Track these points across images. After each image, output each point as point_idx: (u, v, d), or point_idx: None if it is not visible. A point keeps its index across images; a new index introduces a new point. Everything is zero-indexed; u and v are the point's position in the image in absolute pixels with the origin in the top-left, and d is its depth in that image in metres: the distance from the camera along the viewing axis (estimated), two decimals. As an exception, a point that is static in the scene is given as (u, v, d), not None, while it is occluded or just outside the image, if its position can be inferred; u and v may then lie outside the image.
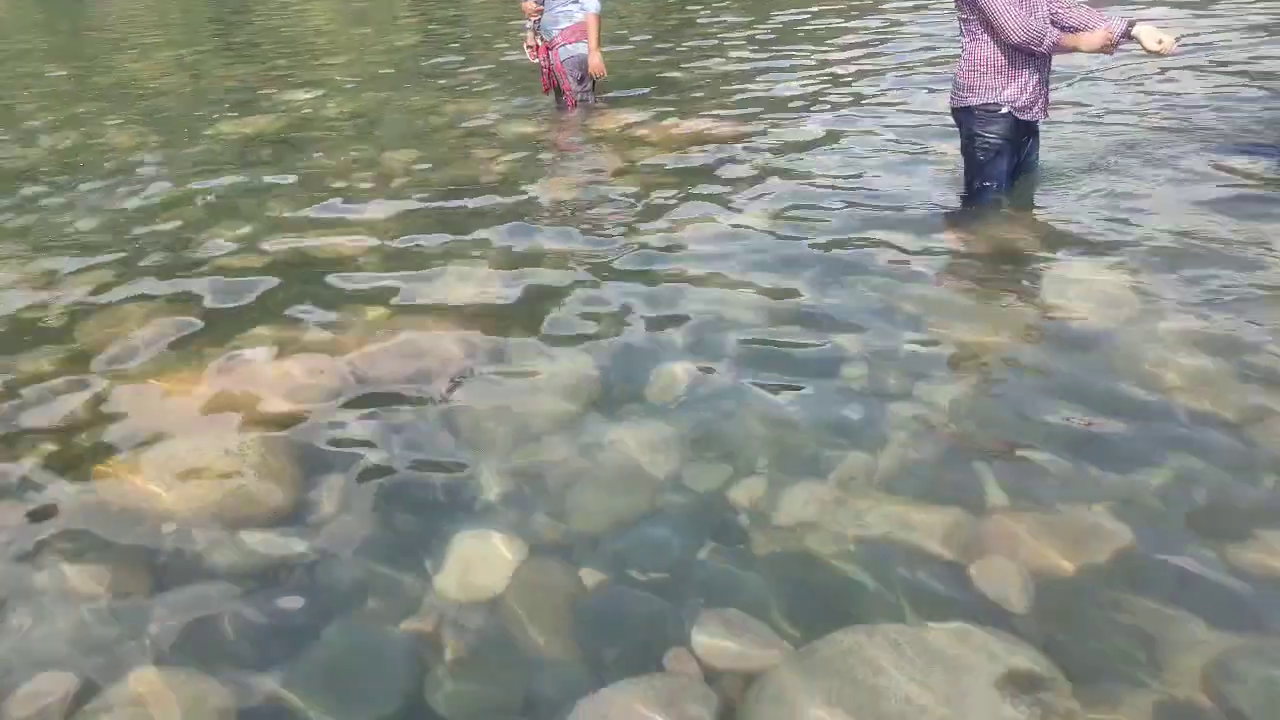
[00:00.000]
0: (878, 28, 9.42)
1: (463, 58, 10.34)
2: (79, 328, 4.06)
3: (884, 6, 10.58)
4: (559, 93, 7.03)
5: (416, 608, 2.35)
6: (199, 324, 3.99)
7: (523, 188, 5.52)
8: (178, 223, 5.38)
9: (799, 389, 3.14)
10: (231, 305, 4.18)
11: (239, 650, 2.26)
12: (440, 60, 10.41)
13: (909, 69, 7.58)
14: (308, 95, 8.86)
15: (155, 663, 2.23)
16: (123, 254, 4.92)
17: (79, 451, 3.12)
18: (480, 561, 2.48)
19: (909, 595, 2.23)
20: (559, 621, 2.27)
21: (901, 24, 9.50)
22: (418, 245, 4.71)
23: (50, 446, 3.15)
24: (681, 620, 2.22)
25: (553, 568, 2.45)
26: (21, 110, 9.40)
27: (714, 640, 2.15)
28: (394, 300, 4.08)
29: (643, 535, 2.54)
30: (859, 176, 5.18)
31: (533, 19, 6.81)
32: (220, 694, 2.13)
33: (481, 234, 4.78)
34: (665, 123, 6.65)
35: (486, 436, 3.03)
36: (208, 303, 4.23)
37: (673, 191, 5.19)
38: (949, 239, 4.29)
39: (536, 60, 6.98)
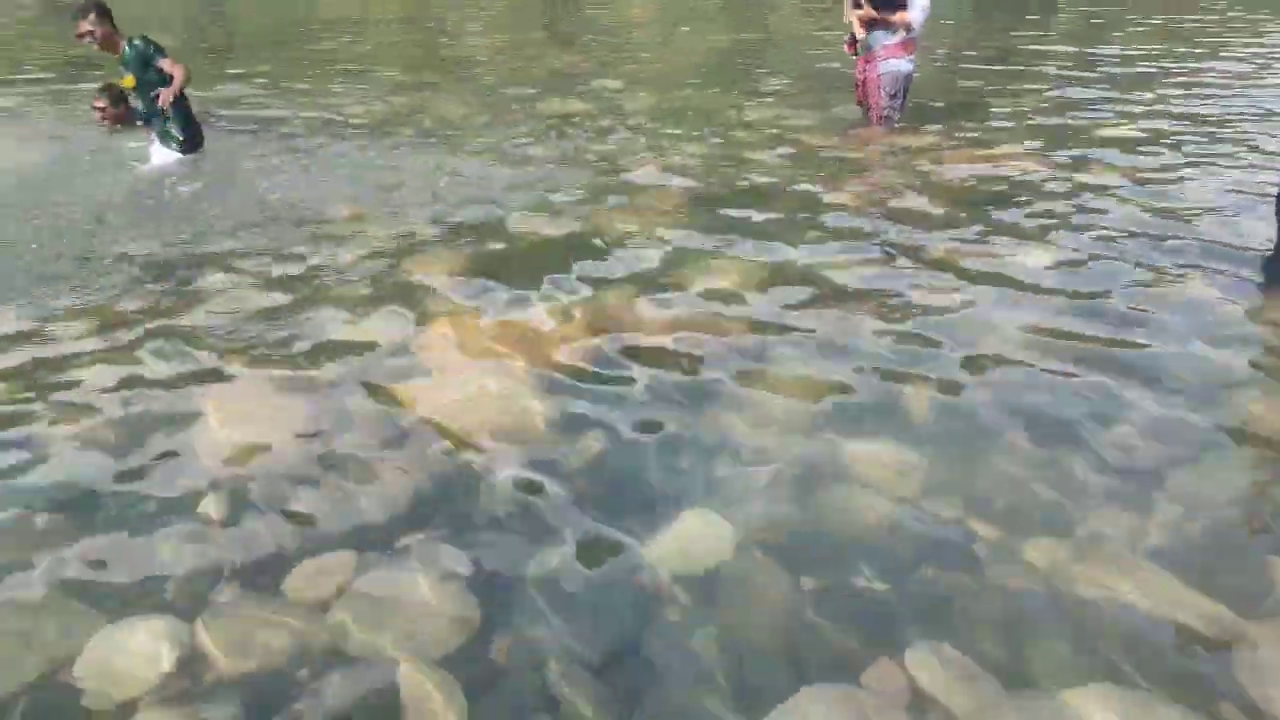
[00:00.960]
0: (1237, 73, 8.52)
1: (772, 63, 10.47)
2: (396, 264, 4.56)
3: (1246, 49, 9.54)
4: (868, 106, 6.94)
5: (639, 564, 2.46)
6: (494, 277, 4.36)
7: (807, 196, 5.53)
8: (484, 186, 5.87)
9: (1066, 436, 2.95)
10: (519, 264, 4.53)
11: (481, 551, 2.49)
12: (750, 62, 10.59)
13: (1264, 119, 6.81)
14: (617, 85, 9.34)
15: (421, 563, 2.48)
16: (437, 208, 5.45)
17: (380, 370, 3.52)
18: (704, 538, 2.55)
19: (1139, 664, 2.06)
20: (769, 612, 2.29)
21: (1261, 74, 8.54)
22: (692, 237, 4.86)
23: (355, 361, 3.57)
24: (894, 640, 2.17)
25: (772, 561, 2.46)
26: (382, 74, 10.56)
27: (926, 668, 2.09)
28: (664, 281, 4.25)
29: (869, 550, 2.49)
30: (1174, 222, 4.74)
31: (860, 32, 6.68)
32: (464, 603, 2.34)
33: (757, 236, 4.84)
34: (971, 149, 6.40)
35: (735, 423, 3.09)
36: (503, 259, 4.62)
37: (964, 215, 5.01)
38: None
39: (854, 55, 6.90)
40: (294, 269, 4.52)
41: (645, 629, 2.26)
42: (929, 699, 2.01)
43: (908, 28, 6.52)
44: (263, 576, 2.46)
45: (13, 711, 2.06)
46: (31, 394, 3.37)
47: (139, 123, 6.53)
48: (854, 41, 6.75)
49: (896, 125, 6.89)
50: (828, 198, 5.51)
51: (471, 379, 3.42)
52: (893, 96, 6.77)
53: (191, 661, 2.18)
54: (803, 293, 4.11)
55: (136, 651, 2.21)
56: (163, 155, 6.34)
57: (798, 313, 3.90)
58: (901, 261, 4.45)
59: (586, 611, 2.32)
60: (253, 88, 9.27)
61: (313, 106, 8.33)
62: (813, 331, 3.74)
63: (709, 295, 4.10)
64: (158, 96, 6.02)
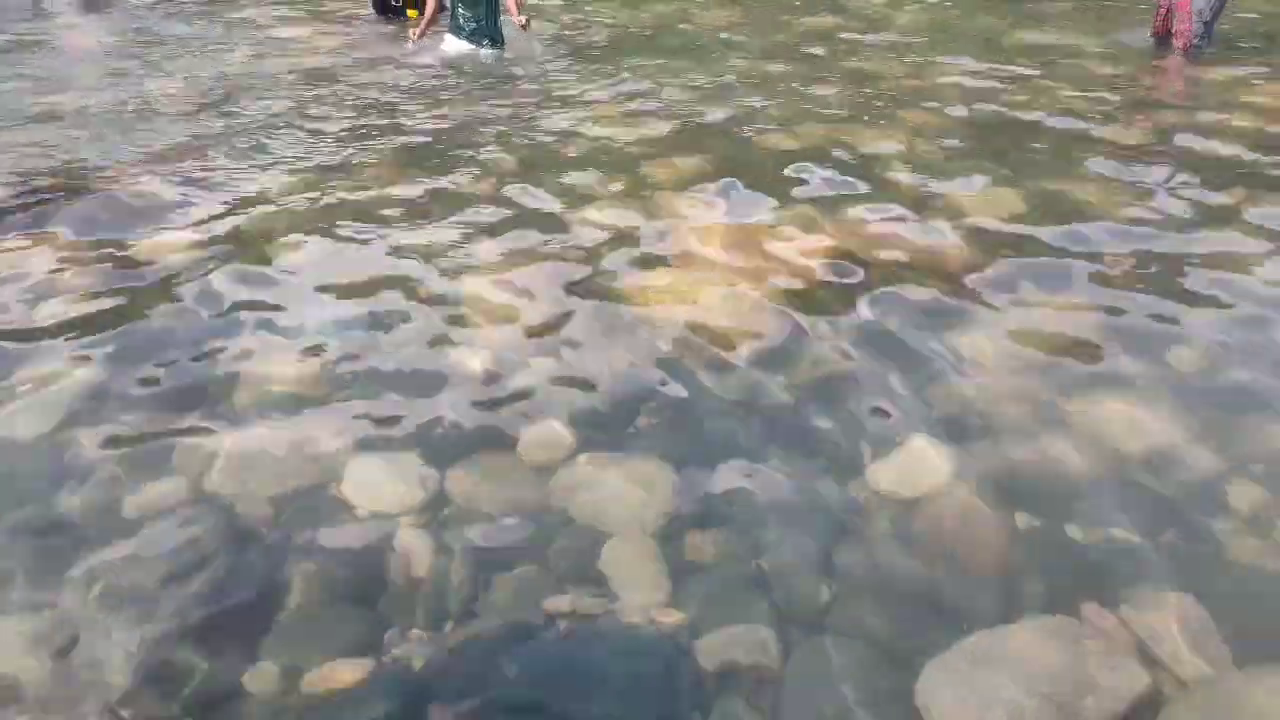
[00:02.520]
0: None
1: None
2: (638, 164, 4.66)
3: None
4: (1166, 36, 6.22)
5: (852, 478, 2.45)
6: (734, 184, 4.36)
7: (1087, 130, 5.08)
8: (730, 95, 5.83)
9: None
10: (761, 173, 4.50)
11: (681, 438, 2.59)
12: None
13: None
14: (881, 1, 8.91)
15: (638, 449, 2.60)
16: (682, 114, 5.48)
17: (619, 262, 3.64)
18: (924, 465, 2.49)
19: None
20: (980, 544, 2.23)
21: None
22: (950, 162, 4.62)
23: (597, 253, 3.72)
24: (1114, 590, 2.05)
25: (991, 497, 2.37)
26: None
27: (1148, 621, 1.97)
28: (912, 203, 4.09)
29: (1097, 500, 2.35)
30: None
31: None
32: (675, 491, 2.44)
33: (1022, 168, 4.52)
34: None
35: (969, 355, 2.97)
36: (744, 166, 4.60)
37: (1270, 163, 4.45)
38: None
39: None
40: (543, 160, 4.73)
41: (850, 540, 2.27)
42: (1150, 653, 1.90)
43: None
44: (503, 436, 2.66)
45: (291, 505, 2.38)
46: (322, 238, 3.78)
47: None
48: None
49: (1206, 53, 6.13)
50: (1110, 134, 5.03)
51: (705, 281, 3.47)
52: (1206, 23, 6.01)
53: (438, 498, 2.42)
54: (1063, 232, 3.82)
55: (394, 480, 2.47)
56: (457, 45, 6.88)
57: (1053, 253, 3.65)
58: (1183, 210, 4.03)
59: (795, 515, 2.35)
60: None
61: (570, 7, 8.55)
62: (1066, 273, 3.49)
63: (958, 223, 3.91)
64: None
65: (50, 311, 3.30)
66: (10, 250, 3.75)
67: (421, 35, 7.11)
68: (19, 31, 8.26)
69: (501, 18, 6.94)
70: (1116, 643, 1.92)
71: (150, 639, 2.01)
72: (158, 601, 2.11)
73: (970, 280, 3.44)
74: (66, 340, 3.12)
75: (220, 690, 1.92)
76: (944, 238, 3.78)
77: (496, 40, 6.98)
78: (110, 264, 3.64)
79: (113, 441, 2.62)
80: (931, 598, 2.09)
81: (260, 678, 1.93)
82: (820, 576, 2.17)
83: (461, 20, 6.87)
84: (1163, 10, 6.19)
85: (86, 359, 3.00)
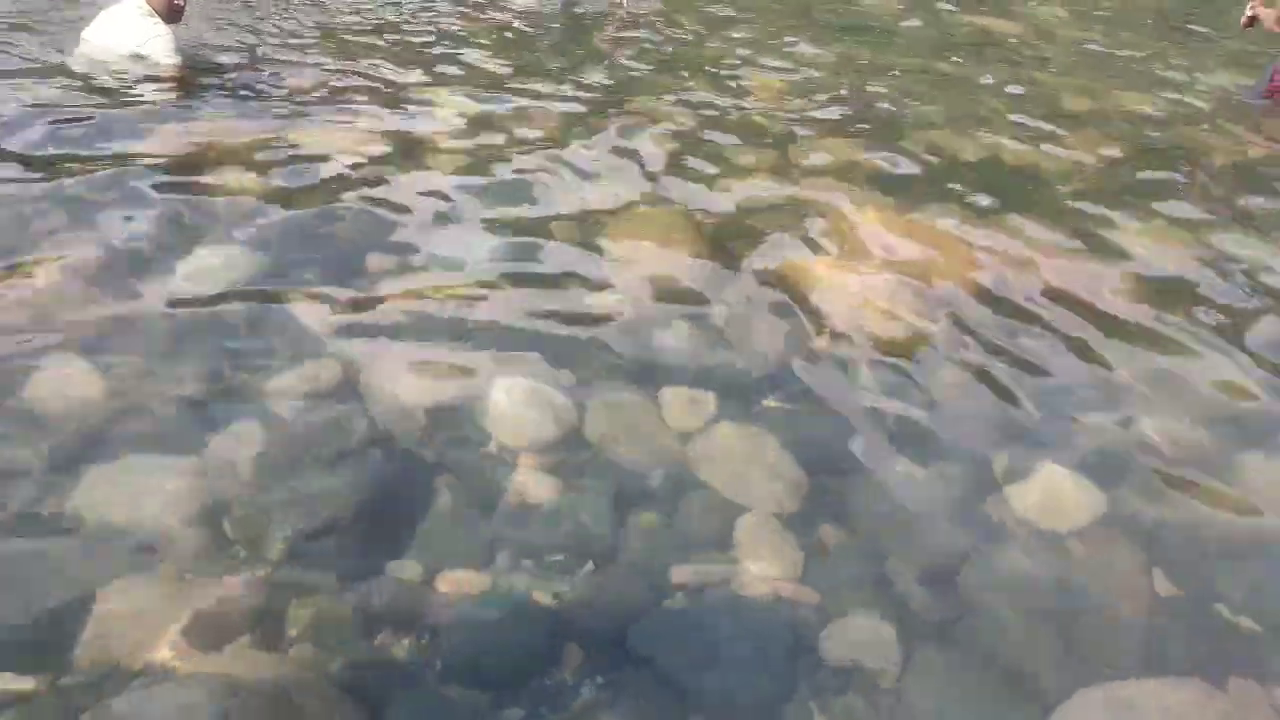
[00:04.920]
0: None
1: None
2: (802, 146, 4.58)
3: None
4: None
5: (992, 497, 2.41)
6: (900, 181, 4.27)
7: (1258, 174, 4.84)
8: (902, 89, 5.69)
9: None
10: (933, 174, 4.41)
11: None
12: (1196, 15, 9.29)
13: None
14: (1059, 12, 8.57)
15: (773, 425, 2.59)
16: (851, 102, 5.36)
17: (777, 242, 3.60)
18: (1066, 497, 2.44)
19: None
20: (1126, 591, 2.17)
21: None
22: (1113, 184, 4.44)
23: (757, 232, 3.68)
24: (1261, 664, 1.99)
25: (1141, 545, 2.31)
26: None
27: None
28: (1075, 226, 3.97)
29: (1261, 565, 2.27)
30: None
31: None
32: (808, 474, 2.43)
33: (1192, 203, 4.35)
34: None
35: (1127, 394, 2.88)
36: (915, 165, 4.50)
37: None
38: None
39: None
40: (704, 125, 4.68)
41: (982, 557, 2.23)
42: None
43: None
44: (645, 385, 2.68)
45: (421, 427, 2.42)
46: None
47: None
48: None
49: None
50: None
51: (857, 270, 3.42)
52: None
53: (570, 436, 2.45)
54: (1224, 279, 3.66)
55: (531, 413, 2.50)
56: None
57: (1222, 299, 3.51)
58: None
59: (928, 519, 2.33)
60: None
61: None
62: (1239, 319, 3.36)
63: (1117, 250, 3.79)
64: None
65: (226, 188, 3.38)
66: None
67: None
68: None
69: None
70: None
71: (300, 516, 2.08)
72: (309, 481, 2.18)
73: (1129, 314, 3.33)
74: (242, 220, 3.20)
75: (367, 572, 1.99)
76: (1106, 267, 3.65)
77: None
78: (280, 154, 3.72)
79: (275, 316, 2.70)
80: (1066, 634, 2.05)
81: (406, 568, 2.01)
82: (949, 588, 2.15)
83: None
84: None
85: (262, 240, 3.07)
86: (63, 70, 4.01)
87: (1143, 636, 2.06)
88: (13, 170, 3.24)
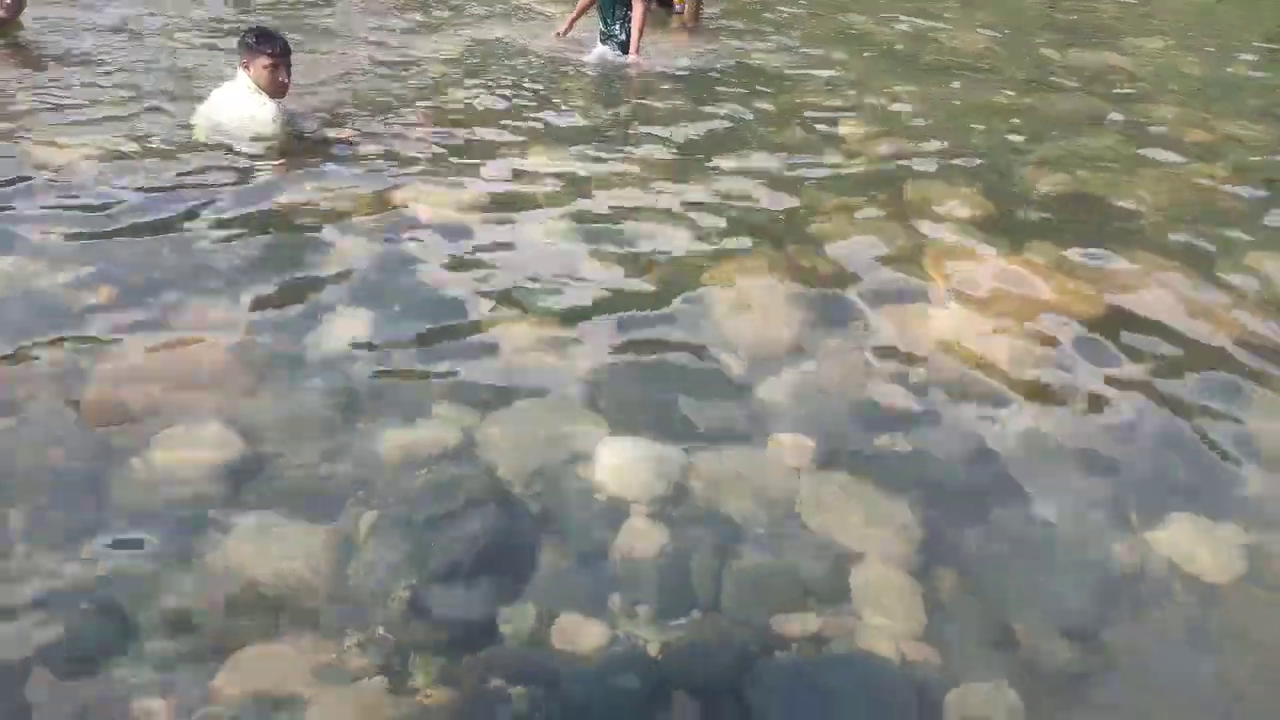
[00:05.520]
0: None
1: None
2: (900, 185, 4.54)
3: None
4: None
5: (1123, 543, 2.32)
6: (996, 215, 4.21)
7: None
8: (1000, 125, 5.59)
9: None
10: (1028, 214, 4.32)
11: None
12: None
13: None
14: (1159, 45, 8.34)
15: (878, 471, 2.55)
16: (944, 138, 5.29)
17: (869, 284, 3.56)
18: (1209, 546, 2.32)
19: None
20: (1270, 651, 2.04)
21: None
22: (1228, 217, 4.30)
23: (843, 273, 3.66)
24: None
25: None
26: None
27: None
28: (1184, 260, 3.83)
29: None
30: None
31: None
32: (920, 521, 2.36)
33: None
34: None
35: (1259, 440, 2.74)
36: (1014, 204, 4.43)
37: None
38: None
39: None
40: (796, 165, 4.69)
41: (1119, 616, 2.14)
42: None
43: None
44: (752, 433, 2.67)
45: (533, 481, 2.44)
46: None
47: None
48: None
49: None
50: None
51: (973, 314, 3.35)
52: None
53: (678, 486, 2.44)
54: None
55: (638, 465, 2.51)
56: (600, 51, 6.61)
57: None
58: None
59: (1054, 570, 2.24)
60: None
61: (819, 16, 8.44)
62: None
63: (1232, 286, 3.63)
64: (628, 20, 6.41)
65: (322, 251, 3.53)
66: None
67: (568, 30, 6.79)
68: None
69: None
70: None
71: (421, 571, 2.12)
72: (429, 536, 2.22)
73: (1251, 358, 3.17)
74: (338, 282, 3.30)
75: (485, 621, 2.02)
76: (1234, 301, 3.51)
77: (620, 41, 6.53)
78: (389, 216, 3.84)
79: (386, 380, 2.79)
80: (1218, 705, 1.93)
81: (522, 617, 2.03)
82: (1079, 646, 2.05)
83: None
84: None
85: (364, 303, 3.18)
86: (186, 145, 4.25)
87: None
88: (145, 240, 3.43)
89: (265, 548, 2.15)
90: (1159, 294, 3.54)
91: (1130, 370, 3.05)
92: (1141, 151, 5.27)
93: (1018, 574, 2.23)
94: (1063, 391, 2.93)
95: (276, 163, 4.21)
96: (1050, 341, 3.19)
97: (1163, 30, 9.07)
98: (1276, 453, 2.67)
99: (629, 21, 6.47)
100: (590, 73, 6.30)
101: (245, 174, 4.07)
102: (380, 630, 1.97)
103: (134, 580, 2.04)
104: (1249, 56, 8.16)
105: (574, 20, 6.89)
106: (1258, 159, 5.26)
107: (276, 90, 4.29)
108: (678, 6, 7.78)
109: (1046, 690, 1.95)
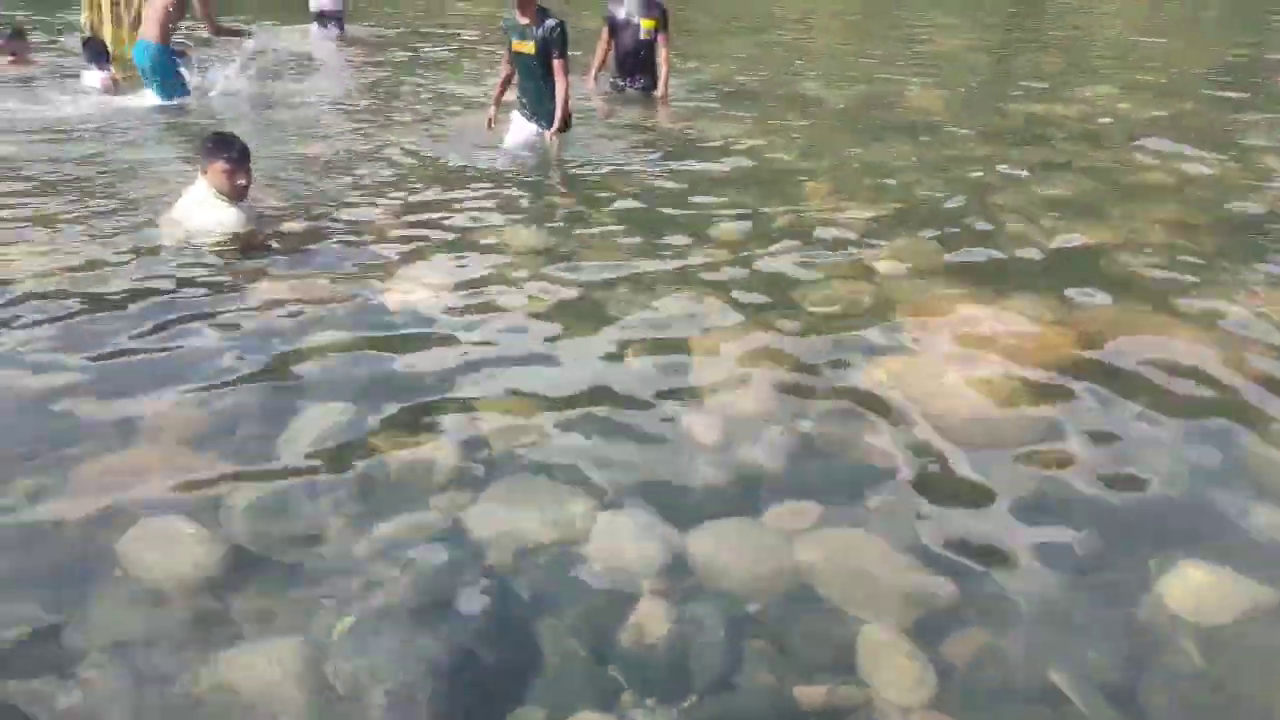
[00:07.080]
0: None
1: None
2: (867, 243, 4.57)
3: None
4: None
5: (1136, 596, 2.27)
6: (969, 270, 4.23)
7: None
8: (958, 179, 5.68)
9: None
10: (1000, 262, 4.36)
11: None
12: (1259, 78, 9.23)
13: None
14: (1108, 90, 8.57)
15: (882, 528, 2.50)
16: (908, 195, 5.36)
17: (852, 343, 3.55)
18: (1216, 594, 2.28)
19: None
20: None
21: None
22: (1200, 255, 4.35)
23: (824, 331, 3.65)
24: None
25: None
26: (853, 61, 10.62)
27: None
28: (1161, 301, 3.88)
29: None
30: None
31: None
32: (927, 577, 2.31)
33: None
34: None
35: (1256, 482, 2.72)
36: (980, 253, 4.48)
37: None
38: None
39: None
40: (765, 230, 4.71)
41: (1141, 674, 2.07)
42: None
43: None
44: (746, 502, 2.61)
45: (528, 566, 2.37)
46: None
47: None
48: None
49: None
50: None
51: (956, 368, 3.33)
52: None
53: (677, 561, 2.38)
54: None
55: (635, 544, 2.44)
56: (525, 130, 6.31)
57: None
58: None
59: (1066, 629, 2.18)
60: (729, 65, 9.79)
61: (777, 85, 8.63)
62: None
63: (1213, 324, 3.65)
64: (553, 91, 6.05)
65: (310, 345, 3.48)
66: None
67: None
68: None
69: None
70: None
71: (408, 669, 2.03)
72: (416, 631, 2.13)
73: (1247, 394, 3.17)
74: (329, 376, 3.25)
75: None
76: (1206, 350, 3.50)
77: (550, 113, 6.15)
78: (359, 306, 3.81)
79: (376, 468, 2.73)
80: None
81: (529, 717, 1.93)
82: (1103, 708, 1.97)
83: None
84: None
85: (342, 394, 3.12)
86: (154, 250, 4.25)
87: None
88: (121, 340, 3.39)
89: (244, 656, 2.05)
90: (1140, 337, 3.55)
91: (1114, 417, 3.03)
92: (1106, 192, 5.37)
93: (1026, 635, 2.16)
94: (1051, 441, 2.90)
95: (242, 261, 4.19)
96: (1038, 388, 3.19)
97: (1115, 78, 9.34)
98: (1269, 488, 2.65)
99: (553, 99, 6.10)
100: (529, 155, 6.23)
101: (214, 271, 4.05)
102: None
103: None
104: (1203, 91, 8.42)
105: (499, 97, 6.41)
106: (1211, 194, 5.37)
107: (235, 193, 4.33)
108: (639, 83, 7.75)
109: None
